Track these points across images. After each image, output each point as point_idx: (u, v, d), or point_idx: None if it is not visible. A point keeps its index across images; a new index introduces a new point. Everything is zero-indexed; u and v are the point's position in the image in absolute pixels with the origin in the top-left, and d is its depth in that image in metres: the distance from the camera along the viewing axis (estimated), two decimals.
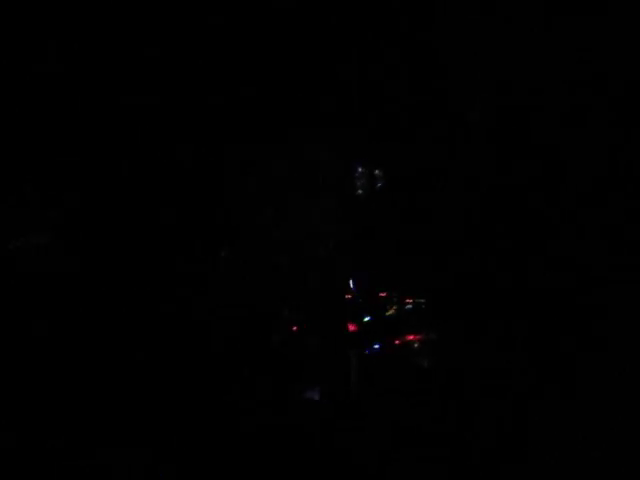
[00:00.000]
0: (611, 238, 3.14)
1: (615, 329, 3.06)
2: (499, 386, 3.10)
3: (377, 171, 3.43)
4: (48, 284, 3.28)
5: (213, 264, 3.40)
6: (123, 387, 3.16)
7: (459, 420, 3.10)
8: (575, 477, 2.79)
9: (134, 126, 3.35)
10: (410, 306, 3.37)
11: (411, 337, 3.32)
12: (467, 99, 3.26)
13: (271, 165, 3.41)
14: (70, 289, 3.28)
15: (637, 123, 3.11)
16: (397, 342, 3.32)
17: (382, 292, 3.40)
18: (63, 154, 3.31)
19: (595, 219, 3.15)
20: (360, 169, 3.42)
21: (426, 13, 3.18)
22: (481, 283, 3.25)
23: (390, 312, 3.38)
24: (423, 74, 3.26)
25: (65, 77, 3.24)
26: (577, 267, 3.17)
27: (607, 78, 3.15)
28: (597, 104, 3.17)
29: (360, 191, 3.42)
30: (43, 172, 3.30)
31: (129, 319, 3.25)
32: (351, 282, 3.37)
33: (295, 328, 3.30)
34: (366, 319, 3.37)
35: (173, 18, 3.22)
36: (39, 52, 3.18)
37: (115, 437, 3.05)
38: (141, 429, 3.08)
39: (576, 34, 3.17)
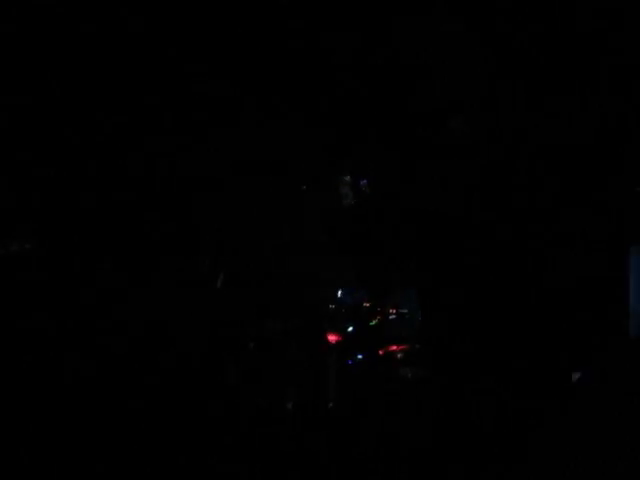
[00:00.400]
0: (610, 240, 3.11)
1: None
2: (487, 395, 3.05)
3: (362, 181, 3.42)
4: (31, 292, 3.26)
5: (196, 272, 3.38)
6: (106, 395, 3.12)
7: (442, 431, 3.04)
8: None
9: (121, 134, 3.35)
10: (394, 316, 3.33)
11: (394, 347, 3.27)
12: (450, 106, 3.25)
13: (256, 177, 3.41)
14: (53, 296, 3.26)
15: (629, 124, 3.10)
16: (380, 352, 3.27)
17: (366, 302, 3.36)
18: (46, 160, 3.31)
19: (582, 223, 3.13)
20: (346, 178, 3.41)
21: (411, 20, 3.20)
22: (468, 293, 3.21)
23: (373, 322, 3.34)
24: (407, 81, 3.26)
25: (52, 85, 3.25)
26: (569, 271, 3.13)
27: (596, 81, 3.15)
28: (587, 108, 3.16)
29: (345, 200, 3.41)
30: (25, 178, 3.30)
31: (113, 325, 3.23)
32: (339, 292, 3.34)
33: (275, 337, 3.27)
34: (349, 329, 3.32)
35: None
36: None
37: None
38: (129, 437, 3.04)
39: (565, 40, 3.17)
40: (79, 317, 3.22)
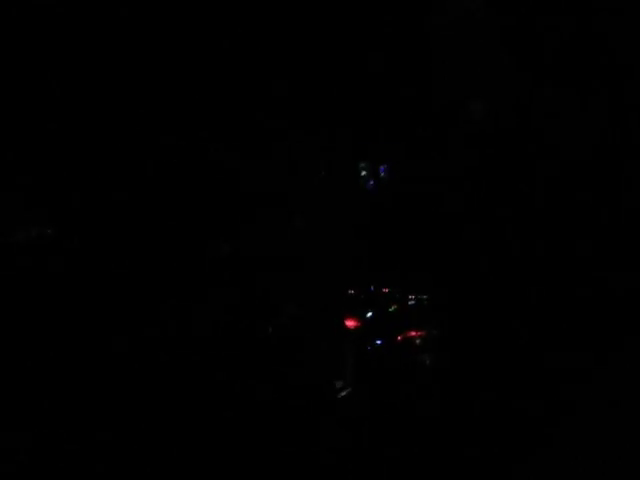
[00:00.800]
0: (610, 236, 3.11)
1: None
2: (501, 381, 3.03)
3: (381, 168, 3.42)
4: (51, 276, 3.26)
5: (215, 257, 3.38)
6: (120, 380, 3.11)
7: (459, 416, 3.02)
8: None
9: (136, 122, 3.37)
10: (413, 302, 3.32)
11: (413, 333, 3.26)
12: (468, 95, 3.26)
13: (274, 161, 3.42)
14: (71, 281, 3.27)
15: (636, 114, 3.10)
16: (399, 338, 3.26)
17: (385, 288, 3.36)
18: (63, 149, 3.33)
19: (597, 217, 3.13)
20: (364, 165, 3.42)
21: (426, 8, 3.21)
22: (484, 279, 3.21)
23: (392, 308, 3.33)
24: (425, 70, 3.27)
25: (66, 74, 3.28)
26: (580, 264, 3.12)
27: (610, 74, 3.15)
28: (598, 102, 3.16)
29: (364, 187, 3.41)
30: (45, 165, 3.32)
31: (130, 311, 3.22)
32: None
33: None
34: (368, 315, 3.32)
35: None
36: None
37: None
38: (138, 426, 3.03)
39: (579, 31, 3.18)
40: (95, 309, 3.22)
